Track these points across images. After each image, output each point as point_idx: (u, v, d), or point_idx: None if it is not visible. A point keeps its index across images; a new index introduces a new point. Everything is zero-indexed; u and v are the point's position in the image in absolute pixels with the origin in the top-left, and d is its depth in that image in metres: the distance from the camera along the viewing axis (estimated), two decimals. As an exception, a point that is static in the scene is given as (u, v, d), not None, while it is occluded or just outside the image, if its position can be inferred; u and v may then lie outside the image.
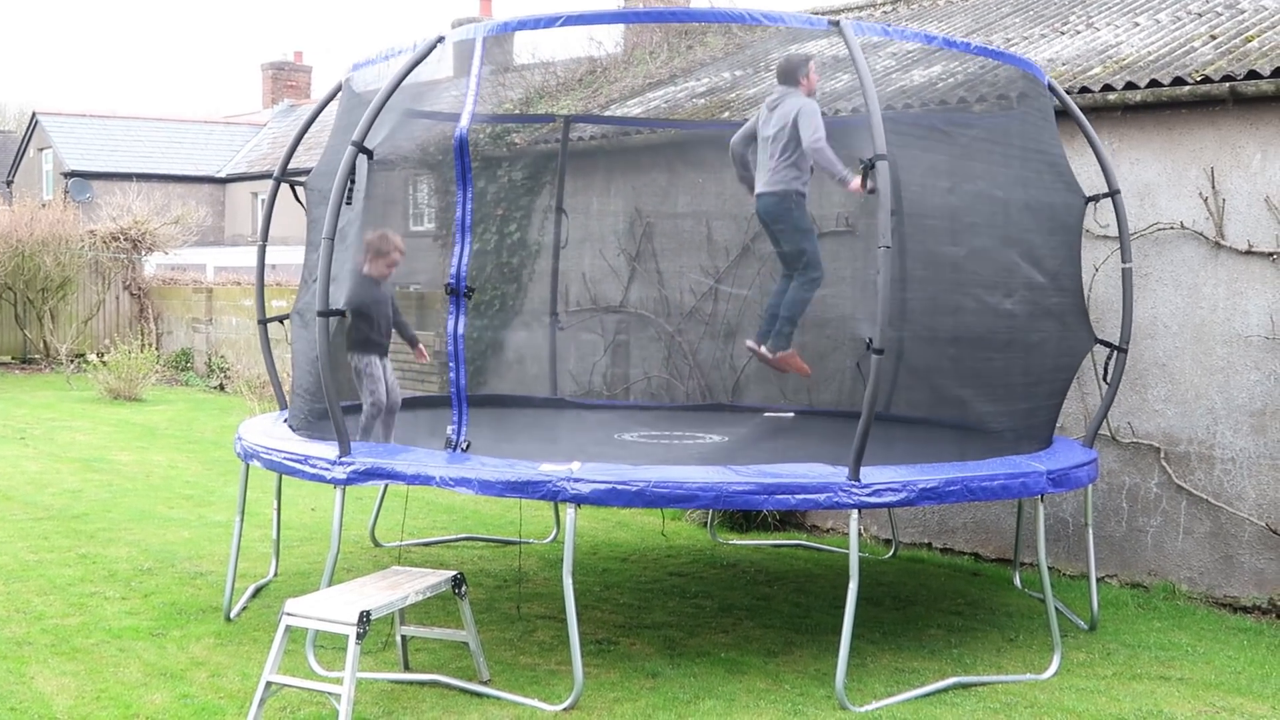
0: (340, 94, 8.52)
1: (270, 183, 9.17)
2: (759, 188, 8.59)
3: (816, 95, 8.57)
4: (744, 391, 11.53)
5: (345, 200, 7.39)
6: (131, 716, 6.34)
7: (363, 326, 8.00)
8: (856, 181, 7.57)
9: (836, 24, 7.09)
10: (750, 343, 9.06)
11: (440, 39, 7.32)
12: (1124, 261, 8.53)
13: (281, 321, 9.05)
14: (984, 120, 9.41)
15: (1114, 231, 8.90)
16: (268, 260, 9.41)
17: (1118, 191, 8.56)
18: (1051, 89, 8.41)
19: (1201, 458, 8.99)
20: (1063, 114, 8.60)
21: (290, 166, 9.03)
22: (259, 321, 9.17)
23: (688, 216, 12.20)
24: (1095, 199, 8.62)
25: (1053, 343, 8.36)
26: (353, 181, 7.28)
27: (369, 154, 7.32)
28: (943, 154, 8.64)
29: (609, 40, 17.29)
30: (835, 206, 10.35)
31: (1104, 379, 8.59)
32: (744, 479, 6.73)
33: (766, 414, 10.40)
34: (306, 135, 9.07)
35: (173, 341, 24.80)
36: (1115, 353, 8.46)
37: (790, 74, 8.51)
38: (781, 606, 8.65)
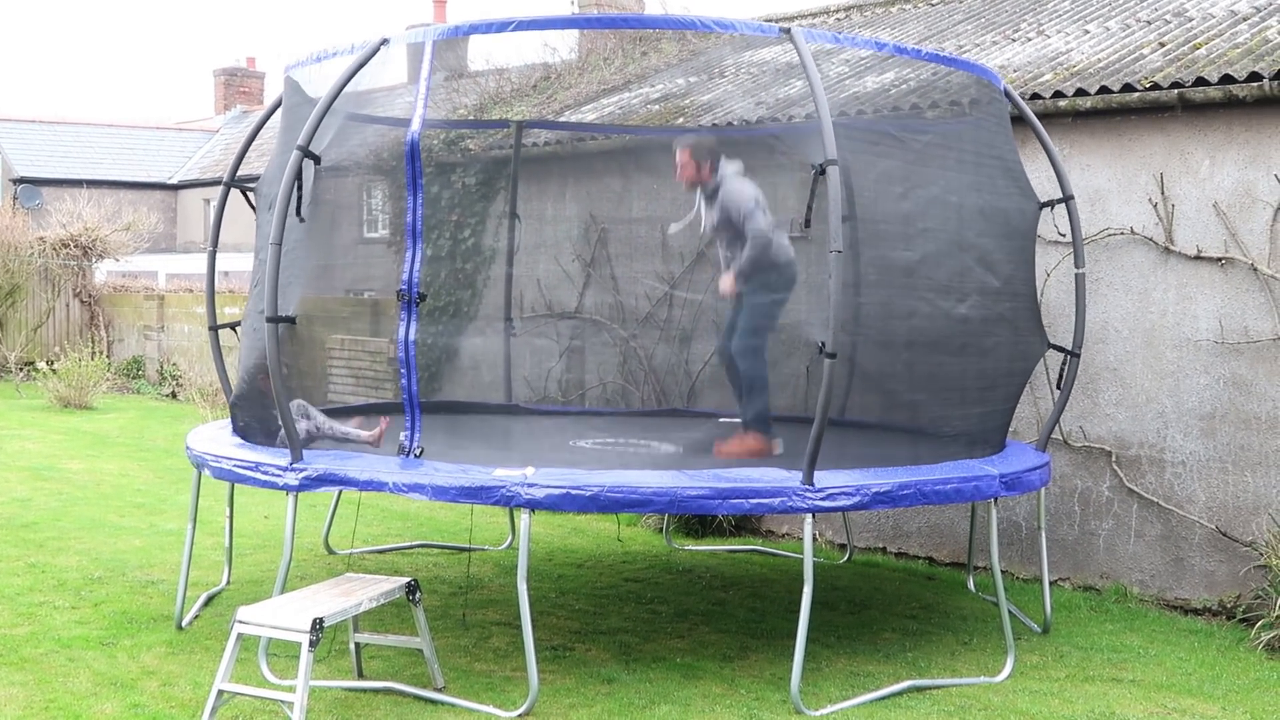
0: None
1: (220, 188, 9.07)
2: None
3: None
4: (699, 397, 11.53)
5: (296, 212, 7.29)
6: (80, 727, 6.27)
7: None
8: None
9: (788, 31, 7.07)
10: None
11: (385, 41, 7.23)
12: (1077, 267, 8.56)
13: (233, 329, 8.96)
14: (937, 126, 9.45)
15: (1067, 237, 8.97)
16: (221, 267, 9.31)
17: (1071, 197, 8.58)
18: (1007, 95, 8.45)
19: (1152, 461, 9.06)
20: (1018, 120, 8.66)
21: (241, 172, 8.93)
22: (210, 328, 9.08)
23: (642, 222, 12.19)
24: (1050, 205, 8.67)
25: (1006, 347, 8.37)
26: (299, 190, 7.19)
27: (315, 159, 7.24)
28: (896, 159, 8.67)
29: (564, 46, 17.31)
30: (790, 212, 10.38)
31: (1057, 384, 8.65)
32: (698, 484, 6.73)
33: (721, 420, 10.39)
34: (256, 140, 8.99)
35: (124, 349, 24.57)
36: (1068, 357, 8.52)
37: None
38: (737, 611, 8.66)
